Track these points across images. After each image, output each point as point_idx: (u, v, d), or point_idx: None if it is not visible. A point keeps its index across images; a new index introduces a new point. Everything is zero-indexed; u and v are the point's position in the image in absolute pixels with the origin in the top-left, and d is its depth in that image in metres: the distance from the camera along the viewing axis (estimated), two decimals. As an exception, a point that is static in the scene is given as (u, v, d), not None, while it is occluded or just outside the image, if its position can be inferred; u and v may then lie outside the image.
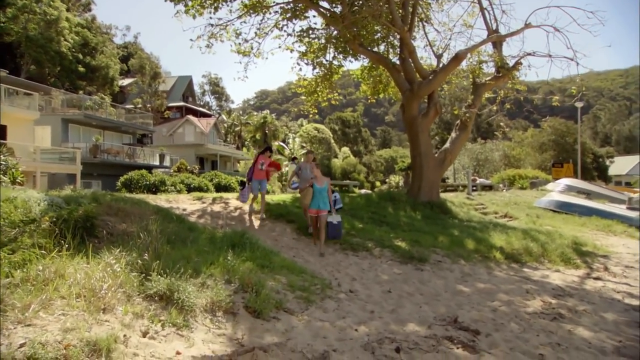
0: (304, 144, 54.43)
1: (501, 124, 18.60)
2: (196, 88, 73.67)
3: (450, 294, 7.20)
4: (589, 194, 21.25)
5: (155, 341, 4.38)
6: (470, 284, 7.87)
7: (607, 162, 53.51)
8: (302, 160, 12.65)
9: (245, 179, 11.80)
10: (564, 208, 17.72)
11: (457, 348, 5.09)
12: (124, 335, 4.15)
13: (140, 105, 48.20)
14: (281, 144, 55.42)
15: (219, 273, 6.10)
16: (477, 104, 15.92)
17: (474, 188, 22.24)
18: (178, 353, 4.30)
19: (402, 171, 43.65)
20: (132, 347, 4.08)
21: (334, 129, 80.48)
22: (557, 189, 22.20)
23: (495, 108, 17.81)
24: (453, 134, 15.90)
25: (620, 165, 57.69)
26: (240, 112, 72.89)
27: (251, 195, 11.76)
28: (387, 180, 57.46)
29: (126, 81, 55.25)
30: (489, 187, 25.33)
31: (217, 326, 5.03)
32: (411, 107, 14.99)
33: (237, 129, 58.52)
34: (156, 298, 5.10)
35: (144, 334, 4.44)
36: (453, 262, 9.07)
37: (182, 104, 56.59)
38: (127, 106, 43.83)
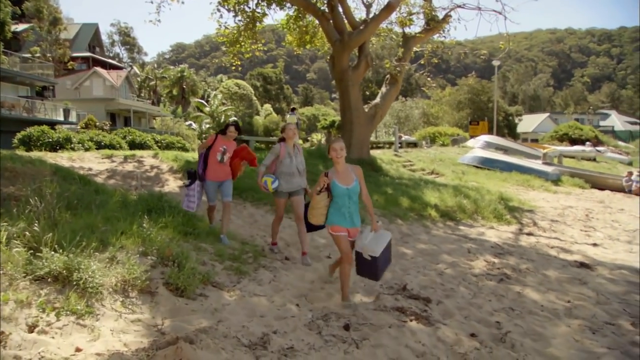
0: (225, 101, 52.24)
1: (428, 79, 18.50)
2: (104, 38, 67.56)
3: (394, 258, 6.72)
4: (506, 150, 21.95)
5: (47, 336, 3.40)
6: (412, 245, 7.46)
7: (517, 120, 56.47)
8: (287, 132, 6.35)
9: (193, 170, 6.83)
10: (486, 164, 18.09)
11: (411, 320, 4.58)
12: (1, 333, 3.16)
13: (38, 55, 43.28)
14: (200, 100, 52.71)
15: (132, 244, 5.10)
16: (407, 57, 15.46)
17: (400, 145, 22.20)
18: (78, 350, 3.35)
19: (324, 129, 43.31)
20: (13, 348, 3.10)
21: (255, 85, 78.07)
22: (478, 146, 22.73)
23: (423, 62, 17.48)
24: (383, 89, 15.40)
25: (527, 123, 61.21)
26: (155, 66, 68.35)
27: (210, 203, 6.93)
28: (309, 138, 57.02)
29: (20, 27, 49.22)
30: (414, 144, 25.54)
31: (130, 310, 4.11)
32: (341, 59, 14.20)
33: (152, 83, 54.76)
34: (49, 280, 4.05)
35: (31, 328, 3.44)
36: (391, 222, 8.63)
37: (88, 54, 51.62)
38: (23, 55, 39.13)
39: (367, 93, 27.70)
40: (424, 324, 4.49)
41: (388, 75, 15.65)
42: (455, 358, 3.90)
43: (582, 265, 6.91)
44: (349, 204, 4.85)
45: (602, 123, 66.44)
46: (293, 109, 20.18)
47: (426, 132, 32.32)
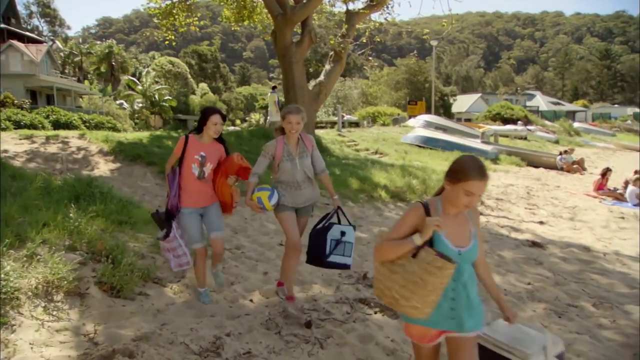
0: (158, 79, 49.79)
1: (370, 58, 18.31)
2: (20, 9, 62.15)
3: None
4: (446, 129, 22.26)
5: (-53, 358, 2.79)
6: (366, 228, 7.16)
7: (451, 100, 58.00)
8: (286, 121, 3.97)
9: (161, 210, 4.24)
10: (428, 143, 18.20)
11: (375, 313, 4.27)
12: None
13: (-58, 25, 39.04)
14: (131, 78, 49.86)
15: (57, 238, 4.42)
16: (351, 34, 15.04)
17: (342, 125, 21.95)
18: (-13, 376, 2.67)
19: (262, 109, 42.30)
20: None
21: (190, 63, 75.02)
22: (418, 125, 22.92)
23: (365, 40, 17.15)
24: (327, 66, 14.91)
25: (461, 103, 63.02)
26: (80, 41, 63.92)
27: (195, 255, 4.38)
28: (247, 118, 55.78)
29: None
30: (356, 124, 25.40)
31: (55, 317, 3.50)
32: (284, 34, 13.54)
33: (77, 59, 51.10)
34: (-50, 287, 3.37)
35: None
36: (342, 205, 8.28)
37: (2, 26, 47.28)
38: None
39: (311, 70, 27.11)
40: (390, 316, 4.19)
41: (332, 53, 15.19)
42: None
43: (534, 244, 6.91)
44: (458, 283, 2.30)
45: (528, 103, 69.60)
46: (274, 87, 18.94)
47: (366, 112, 32.31)
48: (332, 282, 4.95)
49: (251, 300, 4.41)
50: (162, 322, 3.75)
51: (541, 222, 8.46)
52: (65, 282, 3.81)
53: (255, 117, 46.50)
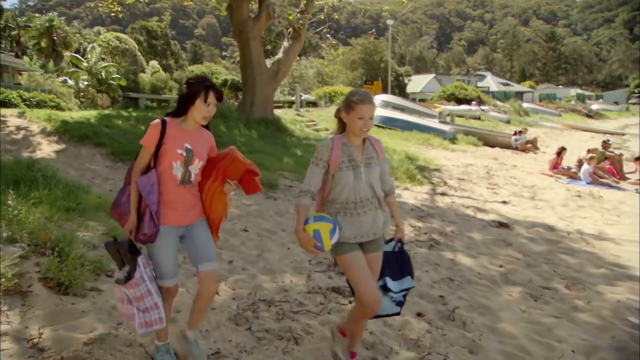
0: (105, 56, 47.40)
1: (328, 36, 17.91)
2: (-51, -23, 57.45)
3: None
4: (403, 109, 22.24)
5: None
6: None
7: (406, 81, 58.41)
8: (354, 112, 2.67)
9: (121, 238, 2.76)
10: (387, 123, 18.11)
11: (350, 302, 4.03)
12: None
13: None
14: (75, 55, 47.16)
15: (-7, 229, 3.93)
16: (310, 10, 14.62)
17: (300, 104, 21.53)
18: None
19: (217, 88, 41.11)
20: None
21: (139, 40, 71.86)
22: (376, 105, 22.77)
23: (323, 17, 16.76)
24: (285, 43, 14.46)
25: (415, 84, 63.65)
26: (17, 13, 59.92)
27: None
28: (200, 98, 53.97)
29: None
30: (313, 104, 25.02)
31: (-8, 321, 3.07)
32: (240, 8, 12.96)
33: (14, 33, 47.85)
34: None
35: None
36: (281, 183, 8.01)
37: None
38: None
39: (269, 48, 26.38)
40: (366, 305, 3.96)
41: (290, 29, 14.72)
42: (409, 345, 3.42)
43: (501, 225, 6.88)
44: None
45: (479, 84, 71.16)
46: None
47: (323, 92, 31.95)
48: (303, 270, 4.68)
49: (217, 293, 4.07)
50: (119, 321, 3.37)
51: (504, 202, 8.49)
52: (4, 279, 3.37)
53: (209, 96, 45.01)
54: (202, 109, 2.63)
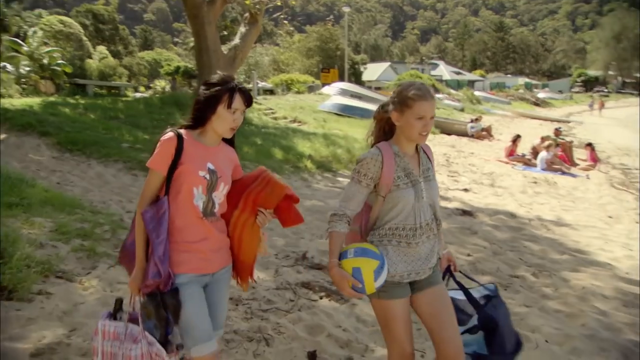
0: (47, 40, 44.96)
1: (285, 22, 17.56)
2: None
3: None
4: (361, 97, 22.23)
5: None
6: (296, 201, 6.74)
7: (362, 69, 58.62)
8: (410, 111, 2.06)
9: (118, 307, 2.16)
10: (346, 111, 18.03)
11: (321, 298, 3.89)
12: None
13: None
14: (14, 39, 44.43)
15: None
16: (267, -6, 14.23)
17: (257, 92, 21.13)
18: None
19: (168, 75, 40.01)
20: None
21: (84, 23, 68.62)
22: (334, 93, 22.67)
23: (279, 3, 16.39)
24: (242, 29, 14.02)
25: (371, 72, 63.98)
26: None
27: None
28: (151, 85, 52.48)
29: None
30: (270, 92, 24.66)
31: None
32: (194, -9, 12.44)
33: (-54, 14, 44.60)
34: None
35: None
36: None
37: None
38: None
39: (225, 34, 25.67)
40: (337, 301, 3.83)
41: (246, 14, 14.29)
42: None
43: (465, 212, 6.90)
44: None
45: (432, 72, 72.37)
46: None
47: (280, 79, 31.56)
48: (269, 264, 4.49)
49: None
50: (71, 327, 3.09)
51: (466, 190, 8.56)
52: None
53: (161, 84, 43.80)
54: (227, 118, 2.01)
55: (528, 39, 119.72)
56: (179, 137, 1.99)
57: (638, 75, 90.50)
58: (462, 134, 17.84)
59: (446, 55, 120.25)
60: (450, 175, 9.94)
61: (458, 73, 77.04)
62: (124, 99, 16.01)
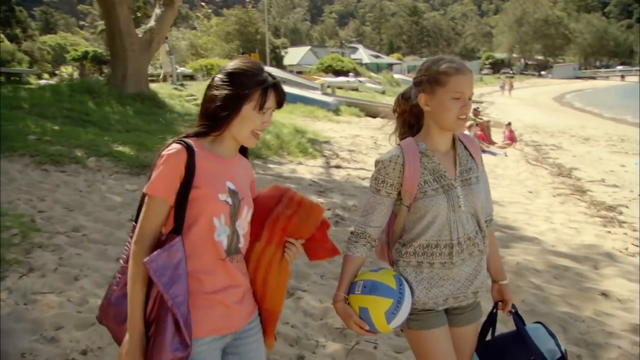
0: None
1: (202, 4, 16.78)
2: None
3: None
4: (285, 82, 21.93)
5: None
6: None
7: (282, 53, 58.11)
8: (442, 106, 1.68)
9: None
10: (271, 96, 17.69)
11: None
12: None
13: None
14: None
15: None
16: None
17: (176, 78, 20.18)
18: None
19: (76, 61, 37.49)
20: None
21: (-26, 4, 62.25)
22: (257, 78, 22.20)
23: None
24: (157, 10, 13.19)
25: (292, 56, 63.63)
26: None
27: None
28: (57, 72, 48.83)
29: None
30: (190, 77, 23.67)
31: None
32: (102, -30, 11.52)
33: None
34: None
35: None
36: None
37: None
38: None
39: (139, 15, 24.18)
40: (288, 296, 3.66)
41: (161, -5, 13.47)
42: (335, 336, 3.18)
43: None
44: None
45: (352, 56, 73.33)
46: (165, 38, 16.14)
47: (199, 65, 30.42)
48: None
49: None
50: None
51: (396, 171, 8.67)
52: None
53: (68, 70, 40.87)
54: (254, 121, 1.51)
55: (440, 23, 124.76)
56: (189, 150, 1.46)
57: (539, 57, 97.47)
58: (386, 116, 18.15)
59: (364, 39, 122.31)
60: (379, 157, 10.04)
61: (377, 56, 78.64)
62: (26, 86, 14.63)
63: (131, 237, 1.51)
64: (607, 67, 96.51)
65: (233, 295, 1.53)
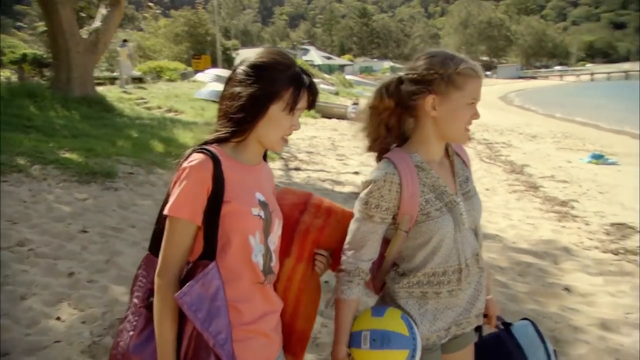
0: None
1: (150, 4, 16.28)
2: None
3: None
4: (237, 84, 21.64)
5: None
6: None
7: (234, 55, 57.47)
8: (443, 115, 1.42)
9: None
10: (224, 98, 17.37)
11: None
12: None
13: None
14: None
15: None
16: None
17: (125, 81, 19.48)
18: None
19: (14, 64, 35.67)
20: None
21: None
22: (209, 80, 21.77)
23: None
24: (103, 11, 12.62)
25: (243, 57, 63.02)
26: None
27: None
28: (-6, 76, 46.25)
29: None
30: (139, 80, 22.90)
31: None
32: (42, -32, 10.90)
33: None
34: None
35: None
36: (149, 172, 7.09)
37: None
38: None
39: (84, 15, 23.14)
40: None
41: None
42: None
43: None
44: None
45: (304, 58, 73.45)
46: (124, 41, 15.64)
47: (148, 67, 29.55)
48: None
49: (59, 319, 3.21)
50: None
51: (356, 173, 8.64)
52: None
53: (5, 73, 38.80)
54: (283, 124, 1.33)
55: (389, 25, 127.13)
56: (215, 160, 1.26)
57: (484, 58, 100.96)
58: (342, 117, 18.19)
59: (316, 40, 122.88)
60: (338, 159, 10.00)
61: (329, 58, 79.10)
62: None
63: (143, 269, 1.32)
64: (546, 67, 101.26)
65: (271, 321, 1.36)
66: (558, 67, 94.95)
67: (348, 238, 1.46)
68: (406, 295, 1.48)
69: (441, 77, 1.41)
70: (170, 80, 24.51)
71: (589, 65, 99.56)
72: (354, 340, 1.42)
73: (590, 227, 5.84)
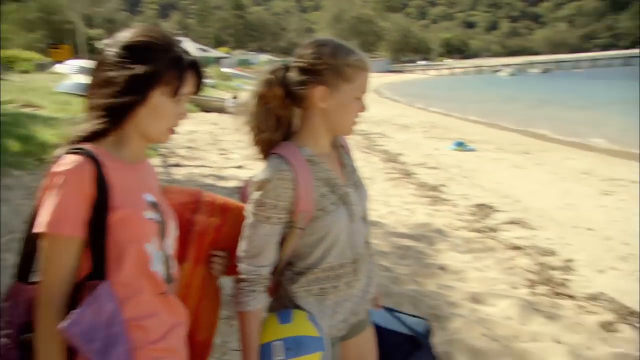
0: None
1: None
2: None
3: None
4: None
5: None
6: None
7: (99, 45, 53.43)
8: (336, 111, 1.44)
9: None
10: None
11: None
12: None
13: None
14: None
15: None
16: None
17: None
18: None
19: None
20: None
21: None
22: (73, 72, 19.97)
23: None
24: None
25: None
26: None
27: None
28: None
29: None
30: (-15, 71, 20.25)
31: None
32: None
33: None
34: None
35: None
36: (5, 175, 6.31)
37: None
38: None
39: None
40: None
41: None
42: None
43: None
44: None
45: (178, 50, 70.69)
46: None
47: (-4, 57, 26.31)
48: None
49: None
50: None
51: (239, 167, 8.52)
52: None
53: None
54: (167, 112, 1.16)
55: (265, 18, 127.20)
56: (94, 161, 1.07)
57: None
58: (221, 110, 17.83)
59: (190, 32, 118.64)
60: (220, 153, 9.78)
61: (204, 50, 76.90)
62: None
63: (12, 302, 1.09)
64: (412, 61, 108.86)
65: (179, 335, 1.21)
66: (422, 62, 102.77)
67: (244, 245, 1.36)
68: (305, 294, 1.42)
69: (331, 68, 1.35)
70: (25, 71, 22.05)
71: (447, 61, 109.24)
72: (266, 354, 1.32)
73: (458, 209, 6.41)
